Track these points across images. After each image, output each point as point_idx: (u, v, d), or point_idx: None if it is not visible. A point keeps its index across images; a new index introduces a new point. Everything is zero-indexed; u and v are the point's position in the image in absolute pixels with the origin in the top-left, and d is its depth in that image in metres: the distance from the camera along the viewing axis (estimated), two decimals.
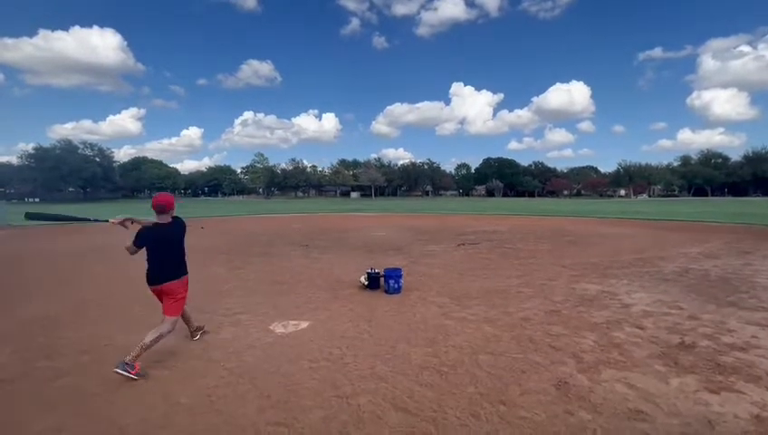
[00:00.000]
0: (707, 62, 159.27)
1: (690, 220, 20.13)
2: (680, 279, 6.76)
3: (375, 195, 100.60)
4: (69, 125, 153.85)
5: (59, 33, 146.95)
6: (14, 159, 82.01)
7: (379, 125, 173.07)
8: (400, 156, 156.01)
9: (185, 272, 3.65)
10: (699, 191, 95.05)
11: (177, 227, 3.63)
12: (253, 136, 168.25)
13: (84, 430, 2.51)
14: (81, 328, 4.49)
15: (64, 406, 2.80)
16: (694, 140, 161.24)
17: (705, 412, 2.66)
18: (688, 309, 5.03)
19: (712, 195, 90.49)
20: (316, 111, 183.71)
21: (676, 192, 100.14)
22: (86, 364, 3.51)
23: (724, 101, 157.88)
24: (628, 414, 2.65)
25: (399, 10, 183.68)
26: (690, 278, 6.83)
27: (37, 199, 73.03)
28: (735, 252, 9.70)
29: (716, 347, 3.78)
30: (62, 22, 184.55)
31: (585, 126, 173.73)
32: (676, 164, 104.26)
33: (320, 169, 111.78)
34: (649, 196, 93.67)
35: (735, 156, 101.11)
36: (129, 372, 3.12)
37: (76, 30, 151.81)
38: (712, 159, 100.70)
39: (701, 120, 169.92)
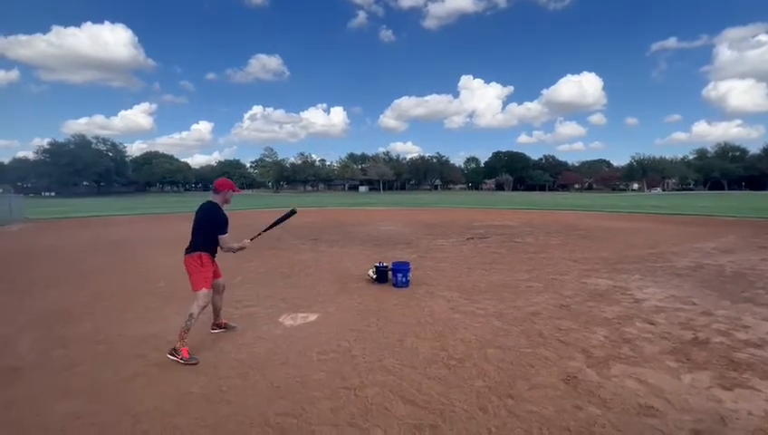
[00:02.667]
0: (723, 53, 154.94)
1: (705, 214, 19.71)
2: (694, 274, 6.64)
3: (383, 189, 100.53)
4: (82, 120, 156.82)
5: (71, 30, 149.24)
6: (30, 154, 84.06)
7: (387, 119, 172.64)
8: (409, 150, 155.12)
9: (192, 250, 3.70)
10: (716, 185, 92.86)
11: (200, 208, 3.76)
12: (261, 130, 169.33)
13: (100, 417, 2.58)
14: (95, 319, 4.60)
15: (80, 394, 2.88)
16: (710, 133, 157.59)
17: (718, 409, 2.62)
18: (702, 305, 4.94)
19: (729, 189, 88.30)
20: (324, 105, 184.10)
21: (692, 186, 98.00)
22: (100, 354, 3.60)
23: (741, 93, 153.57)
24: (639, 410, 2.62)
25: (406, 2, 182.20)
26: (704, 273, 6.70)
27: (53, 193, 74.72)
28: (752, 247, 9.49)
29: (730, 343, 3.72)
30: (74, 18, 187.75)
31: (597, 118, 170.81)
32: (691, 157, 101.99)
33: (328, 163, 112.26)
34: (663, 190, 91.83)
35: (754, 149, 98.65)
36: (176, 357, 3.38)
37: (88, 26, 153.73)
38: (729, 152, 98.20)
39: (717, 112, 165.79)
